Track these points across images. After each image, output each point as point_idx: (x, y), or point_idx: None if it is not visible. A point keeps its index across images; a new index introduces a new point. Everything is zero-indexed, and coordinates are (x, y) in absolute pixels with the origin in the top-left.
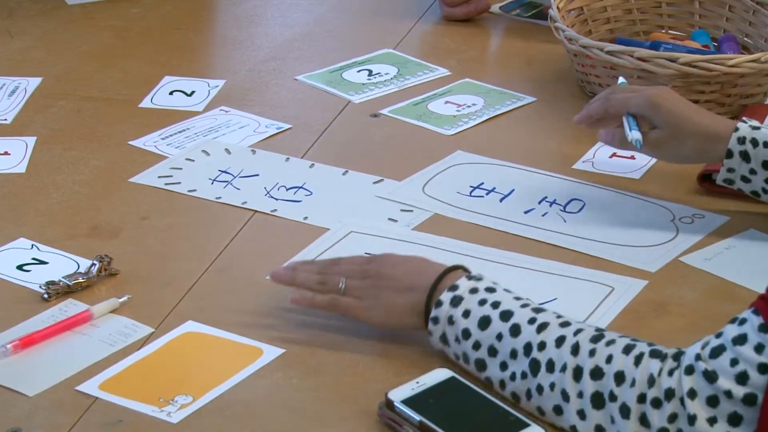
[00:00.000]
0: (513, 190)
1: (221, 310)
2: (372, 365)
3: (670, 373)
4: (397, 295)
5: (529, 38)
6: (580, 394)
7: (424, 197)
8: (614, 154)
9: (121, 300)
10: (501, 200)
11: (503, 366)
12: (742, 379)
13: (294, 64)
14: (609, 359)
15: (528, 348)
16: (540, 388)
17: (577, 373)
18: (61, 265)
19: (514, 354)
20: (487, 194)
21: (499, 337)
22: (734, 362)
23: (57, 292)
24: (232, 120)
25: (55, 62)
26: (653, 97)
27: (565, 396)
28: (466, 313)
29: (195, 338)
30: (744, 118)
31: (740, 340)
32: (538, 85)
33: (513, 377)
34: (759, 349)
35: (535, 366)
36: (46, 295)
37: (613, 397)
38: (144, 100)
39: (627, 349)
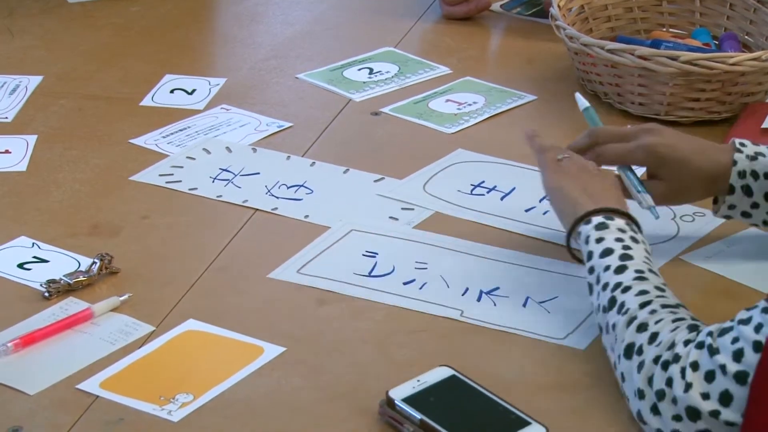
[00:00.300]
0: (514, 189)
1: (222, 308)
2: (373, 363)
3: (686, 343)
4: (579, 192)
5: (529, 36)
6: (623, 340)
7: (425, 195)
8: None
9: (121, 298)
10: (502, 198)
11: (598, 295)
12: (737, 356)
13: (295, 63)
14: (658, 321)
15: (617, 286)
16: (607, 326)
17: (630, 322)
18: (62, 263)
19: (606, 286)
20: (488, 192)
21: (607, 268)
22: (735, 340)
23: (58, 290)
24: (233, 118)
25: (56, 61)
26: (653, 148)
27: (615, 339)
28: (599, 240)
29: (196, 336)
30: (736, 144)
31: (746, 321)
32: (538, 84)
33: (599, 308)
34: (758, 328)
35: (612, 302)
36: (46, 294)
37: (640, 351)
38: (145, 99)
39: (677, 319)
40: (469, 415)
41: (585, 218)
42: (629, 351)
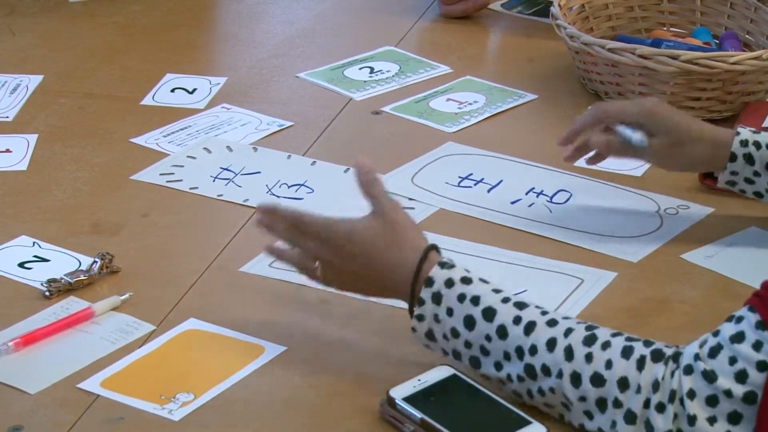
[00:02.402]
0: (501, 181)
1: (223, 307)
2: (373, 362)
3: (672, 374)
4: (377, 289)
5: (530, 35)
6: (582, 399)
7: (413, 187)
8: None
9: (122, 297)
10: (489, 191)
11: (498, 366)
12: (741, 377)
13: (295, 62)
14: (608, 365)
15: (520, 351)
16: (541, 391)
17: (575, 379)
18: (63, 262)
19: (507, 356)
20: (475, 185)
21: (488, 338)
22: (733, 361)
23: (58, 289)
24: (234, 117)
25: (57, 59)
26: (650, 105)
27: (567, 399)
28: (450, 311)
29: (196, 336)
30: (740, 126)
31: (738, 338)
32: (539, 83)
33: (510, 378)
34: (757, 346)
35: (530, 370)
36: (47, 293)
37: (617, 404)
38: (146, 98)
39: (626, 353)
40: (469, 414)
41: (413, 298)
42: (601, 405)
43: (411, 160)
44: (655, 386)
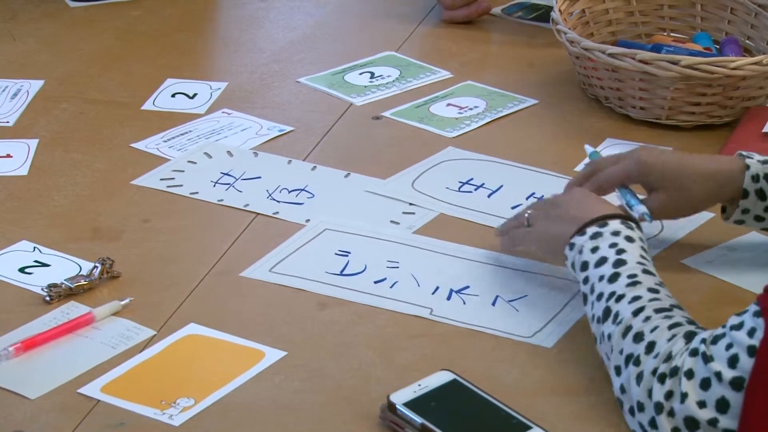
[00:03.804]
0: (501, 186)
1: (223, 312)
2: (374, 368)
3: (682, 354)
4: (560, 223)
5: (531, 41)
6: (621, 351)
7: (413, 192)
8: None
9: (123, 302)
10: (489, 196)
11: (592, 306)
12: (733, 362)
13: (296, 67)
14: (654, 329)
15: (611, 296)
16: (602, 336)
17: (626, 332)
18: (63, 267)
19: (600, 296)
20: (475, 190)
21: (601, 278)
22: (729, 346)
23: (59, 294)
24: (234, 122)
25: (58, 65)
26: (640, 158)
27: (611, 349)
28: (594, 249)
29: (197, 341)
30: (742, 152)
31: (738, 326)
32: (540, 88)
33: (593, 318)
34: (751, 333)
35: (606, 313)
36: (48, 298)
37: (637, 362)
38: (146, 103)
39: (673, 325)
40: (470, 419)
41: (580, 231)
42: (627, 361)
43: (412, 165)
44: (667, 358)
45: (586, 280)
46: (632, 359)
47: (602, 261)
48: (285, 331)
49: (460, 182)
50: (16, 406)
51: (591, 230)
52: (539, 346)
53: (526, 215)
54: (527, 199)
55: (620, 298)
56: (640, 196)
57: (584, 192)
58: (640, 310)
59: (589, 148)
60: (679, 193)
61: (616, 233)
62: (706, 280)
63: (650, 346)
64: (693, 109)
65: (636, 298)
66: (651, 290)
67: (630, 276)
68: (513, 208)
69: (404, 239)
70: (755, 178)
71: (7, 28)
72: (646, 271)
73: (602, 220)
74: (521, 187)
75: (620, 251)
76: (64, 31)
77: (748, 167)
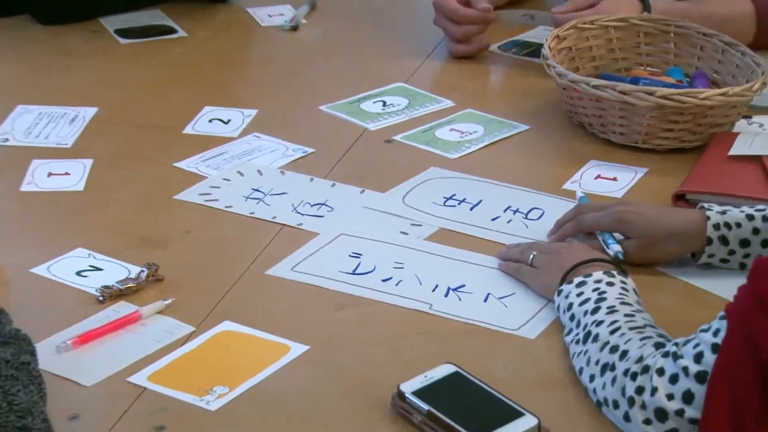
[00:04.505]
0: (481, 201)
1: (254, 311)
2: (386, 361)
3: (654, 355)
4: (558, 273)
5: (523, 74)
6: (597, 362)
7: (404, 207)
8: (599, 176)
9: (166, 302)
10: (471, 209)
11: (574, 332)
12: (698, 358)
13: (317, 96)
14: (627, 341)
15: (592, 323)
16: (580, 353)
17: (603, 347)
18: (115, 271)
19: (580, 323)
20: (458, 204)
21: (585, 313)
22: (696, 345)
23: (110, 295)
24: (264, 145)
25: (110, 94)
26: (619, 215)
27: (587, 361)
28: (579, 294)
29: (231, 336)
30: (703, 205)
31: (706, 329)
32: (531, 115)
33: (573, 342)
34: (716, 333)
35: (586, 335)
36: (101, 298)
37: (612, 368)
38: (187, 127)
39: (644, 337)
40: (470, 406)
41: (566, 278)
42: (604, 370)
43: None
44: (638, 360)
45: (572, 317)
46: (608, 367)
47: (585, 300)
48: (307, 328)
49: (444, 197)
50: (73, 393)
51: (577, 280)
52: (524, 337)
53: (531, 256)
54: (504, 211)
55: (599, 323)
56: (618, 236)
57: (585, 248)
58: (617, 329)
59: (579, 193)
60: (651, 246)
61: (598, 281)
62: (678, 284)
63: (623, 354)
64: (666, 135)
65: (614, 322)
66: (627, 315)
67: (609, 307)
68: (493, 220)
69: (409, 243)
70: (716, 227)
71: (65, 62)
72: (624, 303)
73: (586, 267)
74: (499, 202)
75: (602, 293)
76: (114, 65)
77: (708, 218)
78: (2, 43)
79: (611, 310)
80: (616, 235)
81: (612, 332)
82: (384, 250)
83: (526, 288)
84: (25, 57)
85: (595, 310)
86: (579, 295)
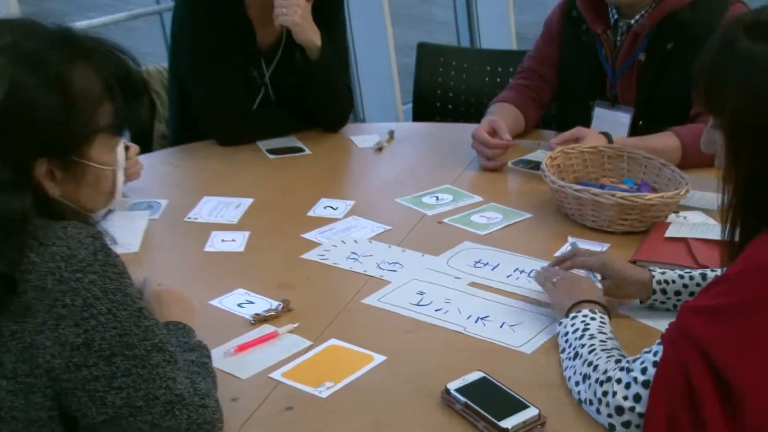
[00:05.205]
0: (498, 264)
1: (350, 331)
2: (437, 367)
3: (614, 370)
4: (567, 296)
5: (528, 181)
6: (580, 373)
7: (448, 267)
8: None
9: (294, 325)
10: (492, 269)
11: (566, 351)
12: (644, 371)
13: (394, 191)
14: (599, 358)
15: (580, 346)
16: (569, 367)
17: (584, 362)
18: (261, 304)
19: (571, 345)
20: (484, 266)
21: (575, 338)
22: (642, 362)
23: (258, 320)
24: (359, 223)
25: (261, 190)
26: (603, 260)
27: (573, 372)
28: (572, 324)
29: (336, 348)
30: (650, 267)
31: (648, 351)
32: (533, 208)
33: (566, 358)
34: (655, 353)
35: (575, 355)
36: (252, 321)
37: (587, 378)
38: (309, 212)
39: (610, 356)
40: (492, 399)
41: (567, 313)
42: (583, 379)
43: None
44: (604, 372)
45: (566, 341)
46: (586, 377)
47: (576, 330)
48: (385, 344)
49: (474, 261)
50: (234, 383)
51: (572, 314)
52: (526, 353)
53: (554, 280)
54: (514, 272)
55: (582, 346)
56: (598, 276)
57: (590, 286)
58: (593, 350)
59: (571, 239)
60: (618, 287)
61: (585, 315)
62: (631, 321)
63: (595, 368)
64: (623, 222)
65: (591, 345)
66: (602, 341)
67: (590, 335)
68: (507, 277)
69: (453, 287)
70: (659, 282)
71: (234, 169)
72: (600, 332)
73: (581, 304)
74: (511, 265)
75: (587, 324)
76: (265, 172)
77: (653, 276)
78: (196, 156)
79: (591, 337)
80: (597, 275)
81: (590, 352)
82: (437, 291)
83: (529, 319)
84: (209, 166)
85: (580, 337)
86: (572, 324)
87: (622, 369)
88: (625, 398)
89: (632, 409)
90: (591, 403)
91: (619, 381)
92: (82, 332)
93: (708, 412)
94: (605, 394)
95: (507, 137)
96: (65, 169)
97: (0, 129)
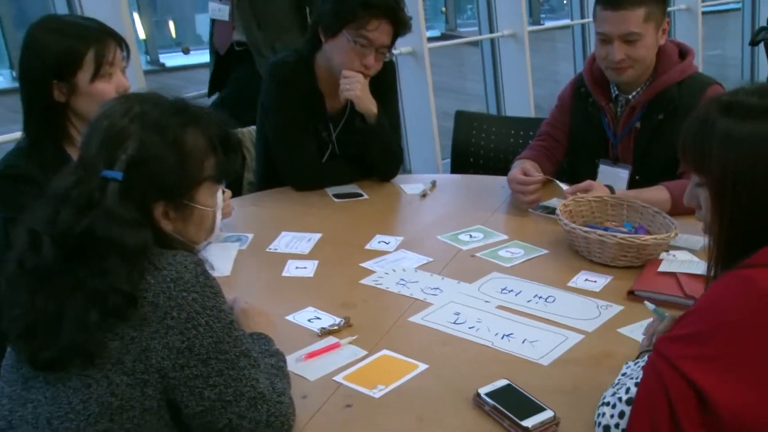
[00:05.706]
0: (521, 291)
1: (399, 344)
2: (469, 375)
3: (607, 394)
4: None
5: (546, 223)
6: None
7: (479, 293)
8: (586, 279)
9: (353, 338)
10: (515, 295)
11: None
12: (627, 391)
13: (436, 230)
14: (607, 391)
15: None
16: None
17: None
18: (327, 320)
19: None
20: (508, 293)
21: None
22: (625, 384)
23: (325, 332)
24: (407, 255)
25: (328, 227)
26: (673, 318)
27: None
28: (635, 362)
29: (387, 357)
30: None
31: (629, 375)
32: (549, 245)
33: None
34: (632, 377)
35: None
36: (319, 334)
37: (606, 404)
38: (367, 245)
39: (625, 391)
40: (515, 403)
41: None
42: (604, 405)
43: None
44: (603, 398)
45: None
46: (606, 401)
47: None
48: (428, 354)
49: (501, 288)
50: (304, 383)
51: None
52: (543, 364)
53: (654, 336)
54: (534, 297)
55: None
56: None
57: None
58: (616, 383)
59: (651, 306)
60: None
61: (634, 361)
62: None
63: (604, 396)
64: (623, 258)
65: (619, 380)
66: (624, 374)
67: (623, 374)
68: (528, 302)
69: (485, 308)
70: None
71: (306, 210)
72: (630, 371)
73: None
74: (531, 292)
75: (628, 365)
76: (332, 213)
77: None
78: (276, 199)
79: (623, 374)
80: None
81: (613, 386)
82: (470, 312)
83: (546, 337)
84: (287, 207)
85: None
86: (626, 365)
87: (612, 394)
88: (612, 416)
89: (617, 425)
90: (597, 424)
91: (607, 403)
92: (185, 339)
93: (686, 424)
94: (600, 416)
95: (539, 176)
96: (177, 209)
97: (131, 179)
